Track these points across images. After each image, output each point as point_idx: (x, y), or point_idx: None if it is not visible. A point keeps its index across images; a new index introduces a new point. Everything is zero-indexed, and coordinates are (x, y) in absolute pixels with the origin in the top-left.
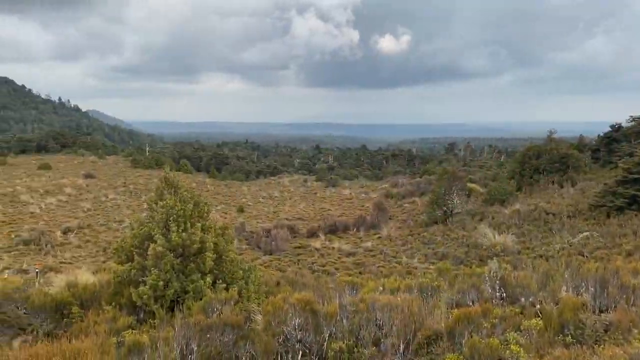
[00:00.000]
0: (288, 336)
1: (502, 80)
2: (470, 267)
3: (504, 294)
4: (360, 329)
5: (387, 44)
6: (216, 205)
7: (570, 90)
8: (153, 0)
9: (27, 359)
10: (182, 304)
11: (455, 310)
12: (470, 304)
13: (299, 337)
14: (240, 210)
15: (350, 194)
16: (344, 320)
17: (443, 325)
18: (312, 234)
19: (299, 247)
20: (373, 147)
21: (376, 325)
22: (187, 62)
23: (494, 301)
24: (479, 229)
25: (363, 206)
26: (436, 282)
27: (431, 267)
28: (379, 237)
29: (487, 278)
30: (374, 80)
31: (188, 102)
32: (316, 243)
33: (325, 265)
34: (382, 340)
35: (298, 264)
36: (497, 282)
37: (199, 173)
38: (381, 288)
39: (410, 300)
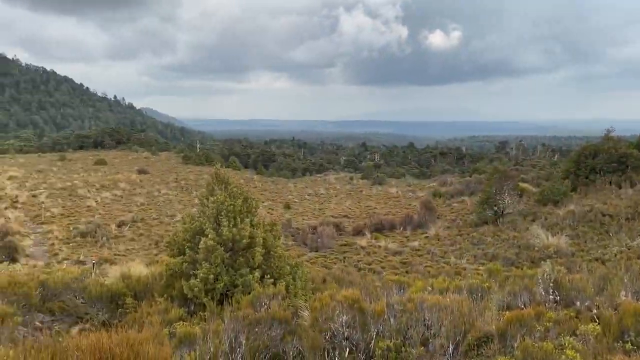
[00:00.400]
0: (335, 333)
1: (557, 76)
2: (522, 269)
3: (558, 297)
4: (408, 329)
5: (437, 39)
6: (263, 202)
7: (630, 86)
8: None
9: (89, 346)
10: (231, 297)
11: (507, 312)
12: (522, 306)
13: (346, 334)
14: (287, 207)
15: (397, 192)
16: (392, 319)
17: (494, 327)
18: (358, 232)
19: (345, 245)
20: (421, 145)
21: (424, 325)
22: (236, 61)
23: (547, 304)
24: (531, 230)
25: (410, 205)
26: (486, 284)
27: (480, 268)
28: (427, 237)
29: (539, 280)
30: (423, 77)
31: (237, 100)
32: (362, 241)
33: (371, 264)
34: (430, 340)
35: (344, 261)
36: (551, 284)
37: (247, 170)
38: (429, 288)
39: (460, 300)
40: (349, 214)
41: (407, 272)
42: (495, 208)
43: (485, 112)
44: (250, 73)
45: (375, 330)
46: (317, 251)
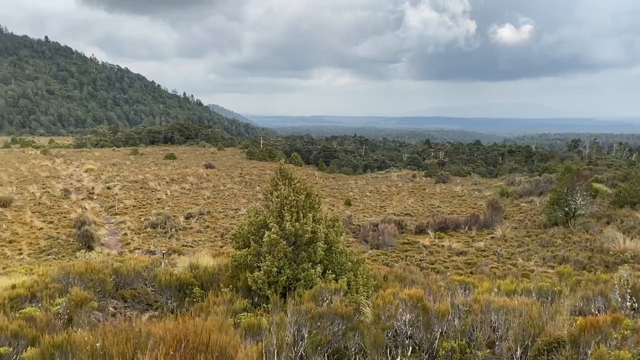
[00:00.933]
0: (398, 331)
1: (636, 71)
2: (595, 273)
3: (636, 305)
4: (474, 330)
5: (506, 34)
6: (324, 198)
7: None
8: None
9: (163, 332)
10: (293, 291)
11: (579, 317)
12: (596, 312)
13: (409, 333)
14: (348, 203)
15: (462, 190)
16: (456, 320)
17: (566, 332)
18: (421, 231)
19: (407, 243)
20: (488, 143)
21: (491, 327)
22: (300, 58)
23: (623, 311)
24: (606, 233)
25: (475, 204)
26: (557, 287)
27: (550, 270)
28: (493, 237)
29: (616, 286)
30: (491, 72)
31: (300, 96)
32: (425, 240)
33: (434, 263)
34: (496, 343)
35: (406, 260)
36: (628, 290)
37: (309, 166)
38: (496, 289)
39: (528, 303)
40: (412, 212)
41: (471, 272)
42: (567, 209)
43: (557, 109)
44: (313, 69)
45: (439, 330)
46: (378, 249)
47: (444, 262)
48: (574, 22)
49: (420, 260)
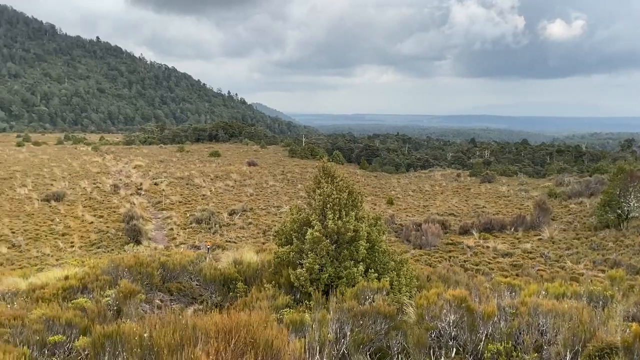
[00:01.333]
0: (442, 332)
1: None
2: None
3: None
4: (520, 333)
5: (557, 29)
6: (366, 196)
7: None
8: None
9: (211, 325)
10: (335, 288)
11: (633, 324)
12: None
13: (453, 334)
14: (390, 202)
15: (508, 191)
16: (502, 322)
17: (619, 338)
18: (465, 231)
19: (450, 244)
20: (535, 142)
21: (538, 330)
22: (343, 56)
23: None
24: None
25: (522, 205)
26: (609, 292)
27: (600, 274)
28: (540, 239)
29: None
30: (541, 69)
31: (342, 94)
32: (469, 241)
33: (478, 264)
34: (544, 347)
35: (449, 260)
36: None
37: (350, 164)
38: (543, 292)
39: (579, 308)
40: (455, 212)
41: (517, 275)
42: (619, 211)
43: (610, 107)
44: (356, 67)
45: (485, 332)
46: (420, 248)
47: (489, 263)
48: (630, 16)
49: (464, 261)
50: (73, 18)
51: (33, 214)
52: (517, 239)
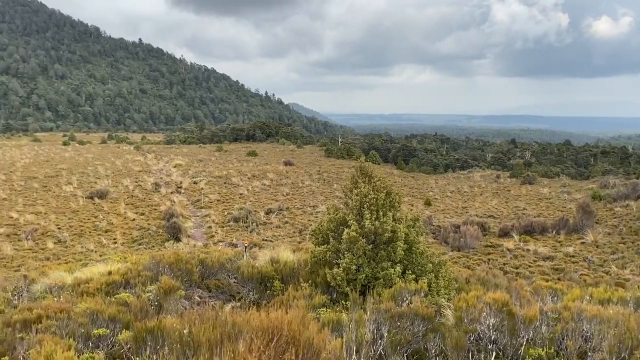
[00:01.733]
0: (481, 335)
1: None
2: None
3: None
4: (563, 339)
5: (602, 26)
6: (403, 197)
7: None
8: None
9: (253, 323)
10: (372, 289)
11: None
12: None
13: (493, 337)
14: (427, 203)
15: (550, 193)
16: (544, 327)
17: None
18: (505, 234)
19: (490, 246)
20: (578, 143)
21: (582, 336)
22: (380, 55)
23: None
24: None
25: (564, 207)
26: None
27: None
28: (583, 243)
29: None
30: (585, 68)
31: (379, 94)
32: (509, 243)
33: (518, 268)
34: (589, 354)
35: (488, 263)
36: None
37: (387, 164)
38: (587, 297)
39: (625, 314)
40: (495, 214)
41: (559, 279)
42: None
43: None
44: (393, 67)
45: (526, 337)
46: (459, 251)
47: (529, 266)
48: None
49: (504, 264)
50: (117, 20)
51: (78, 211)
52: (559, 242)
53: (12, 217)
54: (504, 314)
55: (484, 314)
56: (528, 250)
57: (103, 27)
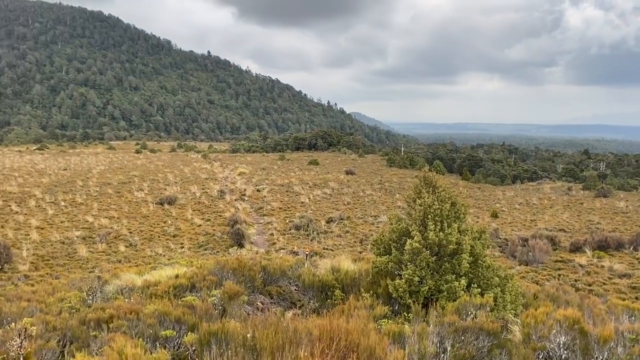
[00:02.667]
0: (551, 354)
1: None
2: None
3: None
4: None
5: None
6: (468, 208)
7: None
8: (419, 2)
9: (313, 330)
10: (435, 302)
11: None
12: None
13: (563, 356)
14: (494, 215)
15: (627, 206)
16: (619, 348)
17: None
18: (577, 249)
19: (560, 261)
20: None
21: None
22: (445, 63)
23: None
24: None
25: None
26: None
27: None
28: None
29: None
30: None
31: (444, 103)
32: (581, 259)
33: (591, 285)
34: None
35: (558, 279)
36: None
37: (452, 174)
38: None
39: None
40: (566, 228)
41: (637, 298)
42: None
43: None
44: (459, 75)
45: (600, 358)
46: (527, 265)
47: (604, 284)
48: None
49: (576, 281)
50: (187, 33)
51: (148, 216)
52: (637, 259)
53: (87, 221)
54: (576, 332)
55: (554, 331)
56: (602, 266)
57: (174, 40)
